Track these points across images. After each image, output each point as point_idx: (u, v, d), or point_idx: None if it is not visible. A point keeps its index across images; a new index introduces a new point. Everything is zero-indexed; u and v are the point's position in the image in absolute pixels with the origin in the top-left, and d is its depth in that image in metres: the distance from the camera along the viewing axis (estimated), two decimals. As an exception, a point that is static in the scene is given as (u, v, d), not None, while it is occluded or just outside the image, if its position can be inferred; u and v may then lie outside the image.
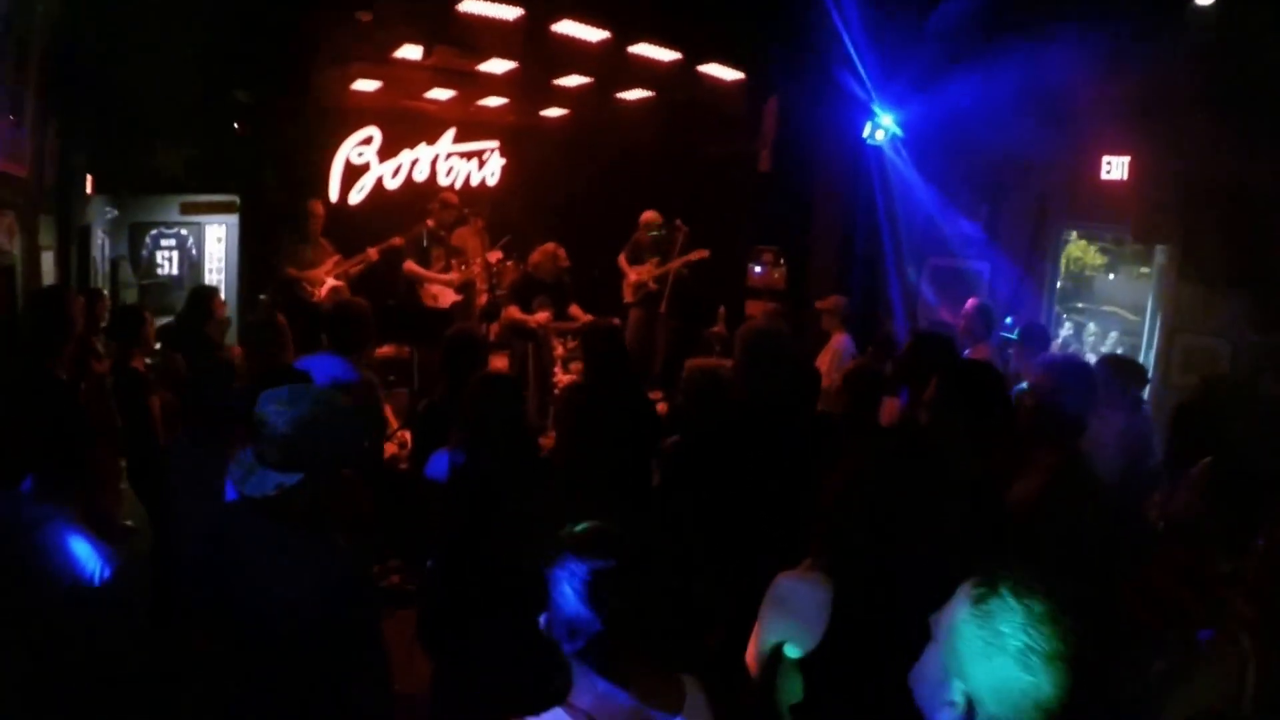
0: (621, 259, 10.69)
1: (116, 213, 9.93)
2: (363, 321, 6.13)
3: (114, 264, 9.95)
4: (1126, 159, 8.45)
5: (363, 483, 4.20)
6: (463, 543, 4.19)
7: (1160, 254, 8.56)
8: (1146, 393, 6.70)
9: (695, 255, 10.28)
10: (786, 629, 2.98)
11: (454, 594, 4.20)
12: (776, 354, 4.77)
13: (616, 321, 9.70)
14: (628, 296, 10.65)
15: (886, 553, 2.83)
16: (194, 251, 10.29)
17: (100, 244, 9.72)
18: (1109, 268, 9.18)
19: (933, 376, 4.17)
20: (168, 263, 10.19)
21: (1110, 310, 9.07)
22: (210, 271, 10.33)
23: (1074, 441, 4.17)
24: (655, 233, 10.41)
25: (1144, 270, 8.80)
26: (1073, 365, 4.50)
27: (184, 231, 10.24)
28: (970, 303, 7.76)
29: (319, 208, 9.67)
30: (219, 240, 10.36)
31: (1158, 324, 8.50)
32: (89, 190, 9.32)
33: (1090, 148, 8.59)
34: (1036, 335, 7.57)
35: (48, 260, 8.39)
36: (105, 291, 9.26)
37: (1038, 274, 9.40)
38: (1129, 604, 3.34)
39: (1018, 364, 7.42)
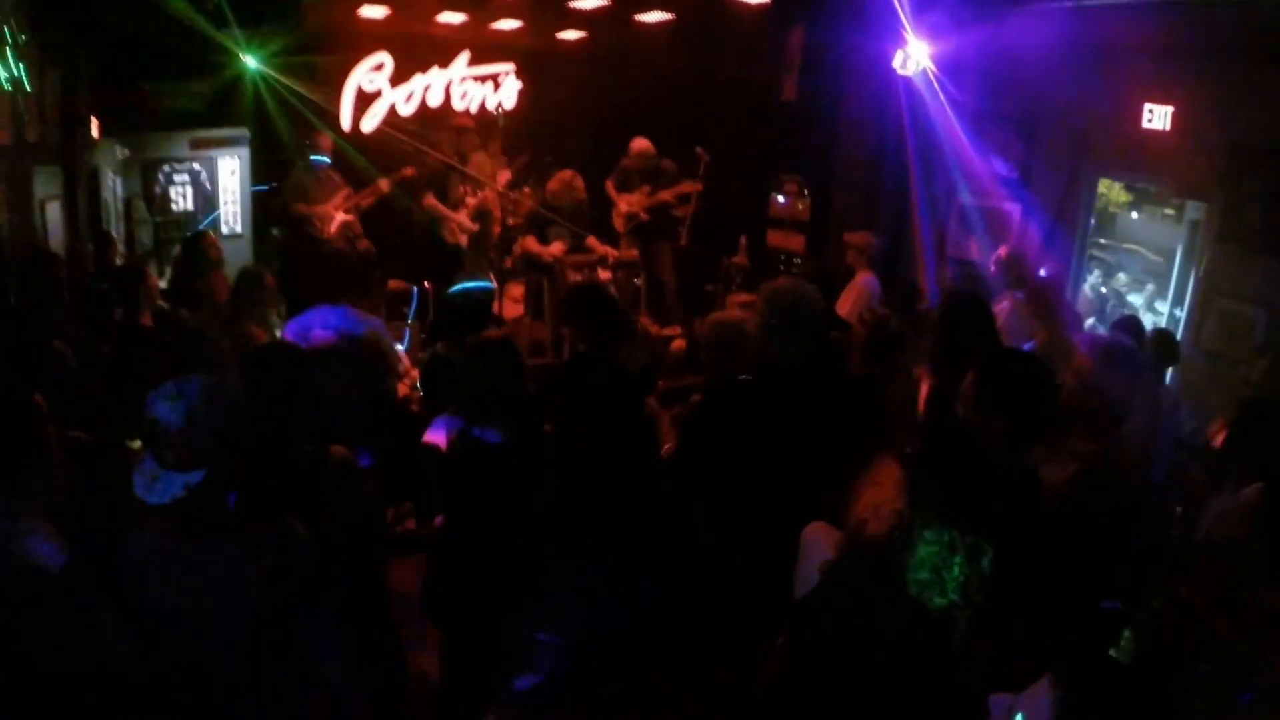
0: (609, 186, 10.38)
1: (128, 152, 9.79)
2: (361, 268, 6.08)
3: (128, 203, 9.89)
4: (1170, 109, 8.04)
5: (358, 462, 4.16)
6: (462, 519, 4.15)
7: (1197, 210, 8.22)
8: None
9: (686, 188, 10.01)
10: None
11: (454, 567, 4.19)
12: (807, 318, 4.56)
13: (619, 256, 9.74)
14: (617, 225, 10.37)
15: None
16: (208, 185, 10.16)
17: (111, 185, 9.62)
18: (1133, 205, 8.88)
19: (968, 359, 3.96)
20: (181, 198, 10.10)
21: (1132, 249, 8.82)
22: (225, 204, 10.23)
23: (1113, 431, 4.05)
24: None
25: (1168, 211, 8.53)
26: (1122, 351, 4.29)
27: (196, 166, 10.10)
28: (1002, 250, 7.59)
29: (326, 139, 9.46)
30: (232, 173, 10.24)
31: (1190, 281, 8.23)
32: (95, 134, 9.18)
33: (1132, 94, 8.21)
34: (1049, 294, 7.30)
35: (54, 211, 8.35)
36: (116, 234, 9.27)
37: (1070, 220, 9.11)
38: (1163, 621, 3.32)
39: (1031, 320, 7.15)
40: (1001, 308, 7.19)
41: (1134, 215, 8.79)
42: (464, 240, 9.69)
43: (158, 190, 10.02)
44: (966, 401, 3.70)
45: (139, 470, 2.91)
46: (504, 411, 4.07)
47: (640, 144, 10.14)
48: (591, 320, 5.78)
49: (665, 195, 10.09)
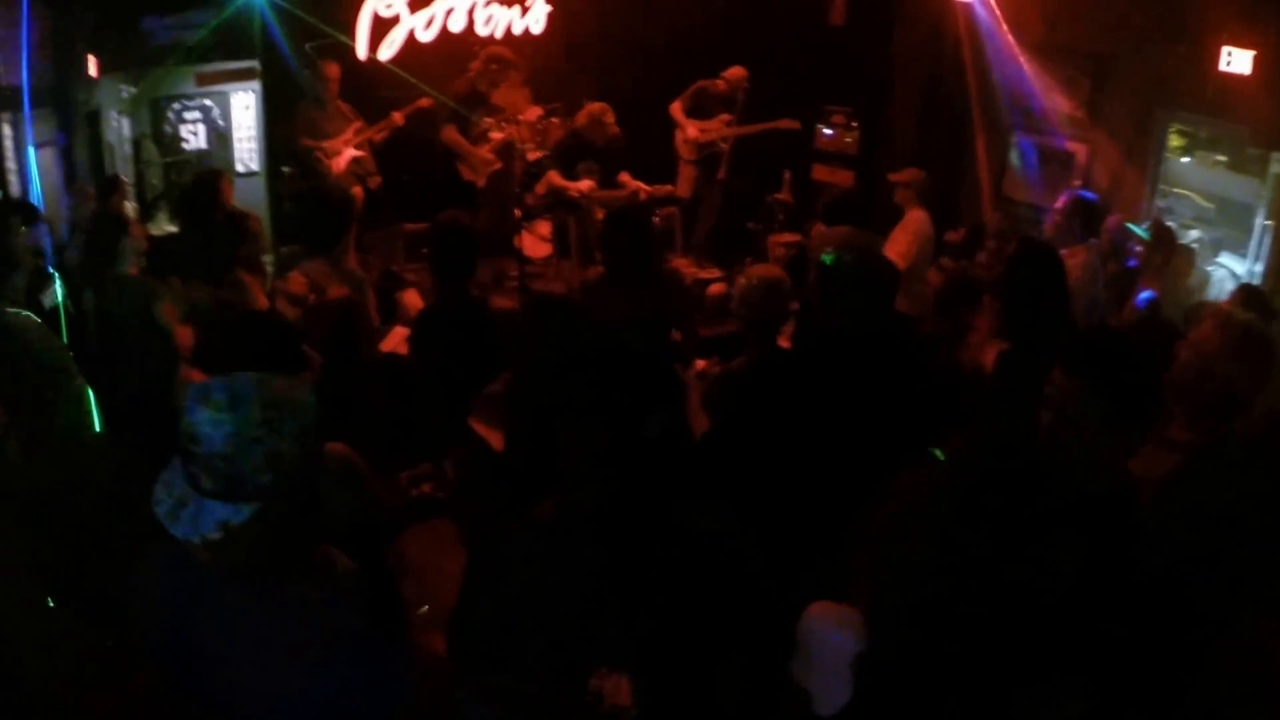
0: (676, 108, 9.83)
1: (134, 90, 9.40)
2: (334, 213, 5.74)
3: (136, 144, 9.53)
4: (1251, 53, 7.57)
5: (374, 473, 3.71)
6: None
7: (1277, 162, 7.80)
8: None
9: (784, 124, 9.58)
10: (804, 679, 2.59)
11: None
12: (872, 282, 4.04)
13: (651, 192, 9.33)
14: (686, 153, 9.90)
15: (946, 613, 2.30)
16: (220, 122, 9.79)
17: (116, 126, 9.28)
18: (1184, 150, 8.63)
19: (1043, 323, 3.72)
20: (193, 136, 9.71)
21: (1181, 193, 8.56)
22: (239, 141, 9.85)
23: (1226, 424, 3.48)
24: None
25: (1219, 158, 8.26)
26: (1257, 336, 3.61)
27: (208, 102, 9.70)
28: (1066, 196, 7.09)
29: (334, 69, 9.00)
30: (247, 108, 9.82)
31: (1269, 237, 7.84)
32: (93, 72, 8.82)
33: (1210, 33, 7.76)
34: (1169, 239, 7.01)
35: (45, 157, 8.09)
36: (125, 176, 8.98)
37: (1139, 164, 8.69)
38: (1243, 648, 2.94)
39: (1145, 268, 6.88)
40: (1075, 262, 6.69)
41: (1210, 164, 8.42)
42: (482, 179, 9.33)
43: (167, 129, 9.64)
44: (1057, 405, 3.07)
45: (163, 481, 2.23)
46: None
47: (738, 71, 9.67)
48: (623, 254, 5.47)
49: (753, 129, 9.63)
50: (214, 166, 8.72)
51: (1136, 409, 3.02)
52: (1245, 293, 6.52)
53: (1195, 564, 3.09)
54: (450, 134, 9.00)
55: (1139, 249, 7.23)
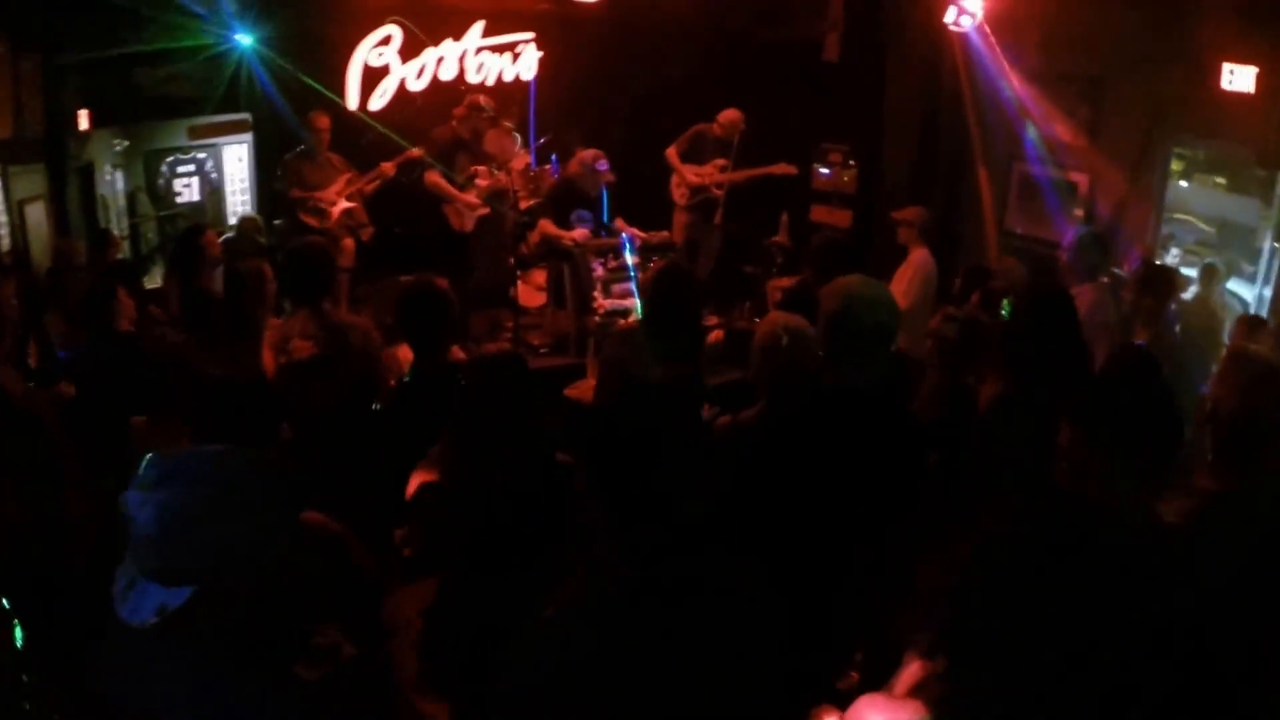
0: (671, 153, 9.57)
1: (127, 143, 9.35)
2: (317, 266, 5.39)
3: (130, 197, 9.47)
4: (1253, 69, 7.30)
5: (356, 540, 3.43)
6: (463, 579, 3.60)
7: None
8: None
9: (781, 169, 9.32)
10: None
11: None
12: (878, 332, 3.73)
13: (646, 239, 9.06)
14: (681, 199, 9.65)
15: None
16: (214, 175, 9.71)
17: (110, 179, 9.21)
18: (1185, 174, 8.36)
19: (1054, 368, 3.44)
20: (187, 190, 9.65)
21: (1181, 218, 8.26)
22: (233, 194, 9.79)
23: (1246, 470, 3.21)
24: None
25: (1219, 180, 8.01)
26: (1272, 370, 3.36)
27: (201, 155, 9.64)
28: (1076, 232, 6.69)
29: (323, 120, 8.82)
30: (240, 160, 9.79)
31: (1275, 261, 7.54)
32: (86, 125, 8.76)
33: (1210, 51, 7.47)
34: (1160, 280, 6.44)
35: (36, 212, 7.99)
36: (118, 232, 8.89)
37: (1143, 192, 8.40)
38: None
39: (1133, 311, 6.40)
40: (1084, 300, 6.32)
41: (1212, 186, 8.15)
42: (470, 224, 9.10)
43: (161, 183, 9.58)
44: (1072, 456, 2.98)
45: (124, 561, 2.12)
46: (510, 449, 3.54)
47: (733, 114, 9.37)
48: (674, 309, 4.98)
49: (749, 174, 9.35)
50: (202, 221, 8.65)
51: (1148, 454, 2.86)
52: (1250, 324, 6.16)
53: (1217, 614, 2.83)
54: (433, 178, 8.81)
55: (1125, 294, 6.77)
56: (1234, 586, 2.83)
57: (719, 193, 9.45)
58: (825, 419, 3.70)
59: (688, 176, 9.52)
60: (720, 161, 9.41)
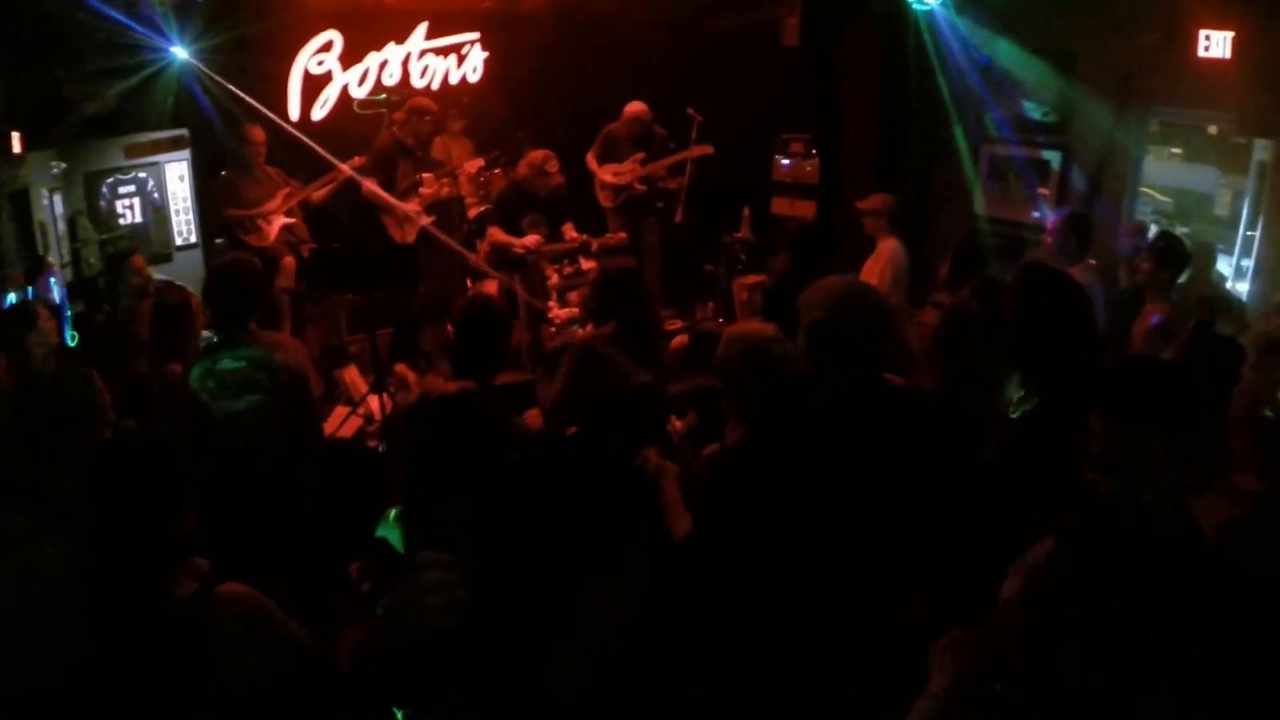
0: (590, 158, 9.08)
1: (64, 165, 8.79)
2: (242, 285, 5.00)
3: (71, 221, 8.90)
4: (1229, 34, 6.88)
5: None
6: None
7: (1262, 150, 7.07)
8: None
9: (696, 152, 8.74)
10: None
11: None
12: (868, 334, 3.35)
13: (602, 243, 8.51)
14: (606, 201, 9.09)
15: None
16: (156, 196, 9.14)
17: (48, 204, 8.65)
18: (1188, 145, 7.83)
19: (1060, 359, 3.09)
20: (130, 211, 9.05)
21: (1189, 194, 7.75)
22: (176, 213, 9.20)
23: None
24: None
25: (1175, 150, 7.71)
26: None
27: (142, 175, 9.06)
28: (1059, 214, 6.34)
29: (258, 133, 8.30)
30: (181, 178, 9.17)
31: (1259, 230, 7.10)
32: (18, 148, 8.21)
33: (1183, 17, 7.09)
34: (1178, 251, 5.90)
35: None
36: (55, 259, 8.34)
37: (1118, 165, 7.89)
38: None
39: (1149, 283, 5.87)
40: None
41: (1190, 156, 7.70)
42: (412, 235, 8.53)
43: (102, 205, 9.01)
44: (1103, 442, 2.50)
45: None
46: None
47: (635, 107, 8.90)
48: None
49: (665, 163, 8.85)
50: (137, 245, 8.11)
51: (1196, 446, 2.49)
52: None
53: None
54: (369, 187, 8.23)
55: (1144, 265, 6.18)
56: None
57: (642, 188, 8.90)
58: (819, 442, 3.27)
59: (606, 178, 8.98)
60: (639, 156, 8.87)
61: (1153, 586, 2.25)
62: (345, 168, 8.25)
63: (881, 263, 7.13)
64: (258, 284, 5.26)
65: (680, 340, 7.73)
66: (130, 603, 2.73)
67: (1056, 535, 2.44)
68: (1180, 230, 7.28)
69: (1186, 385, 2.50)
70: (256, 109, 8.29)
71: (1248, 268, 7.14)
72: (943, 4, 8.41)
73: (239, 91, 8.20)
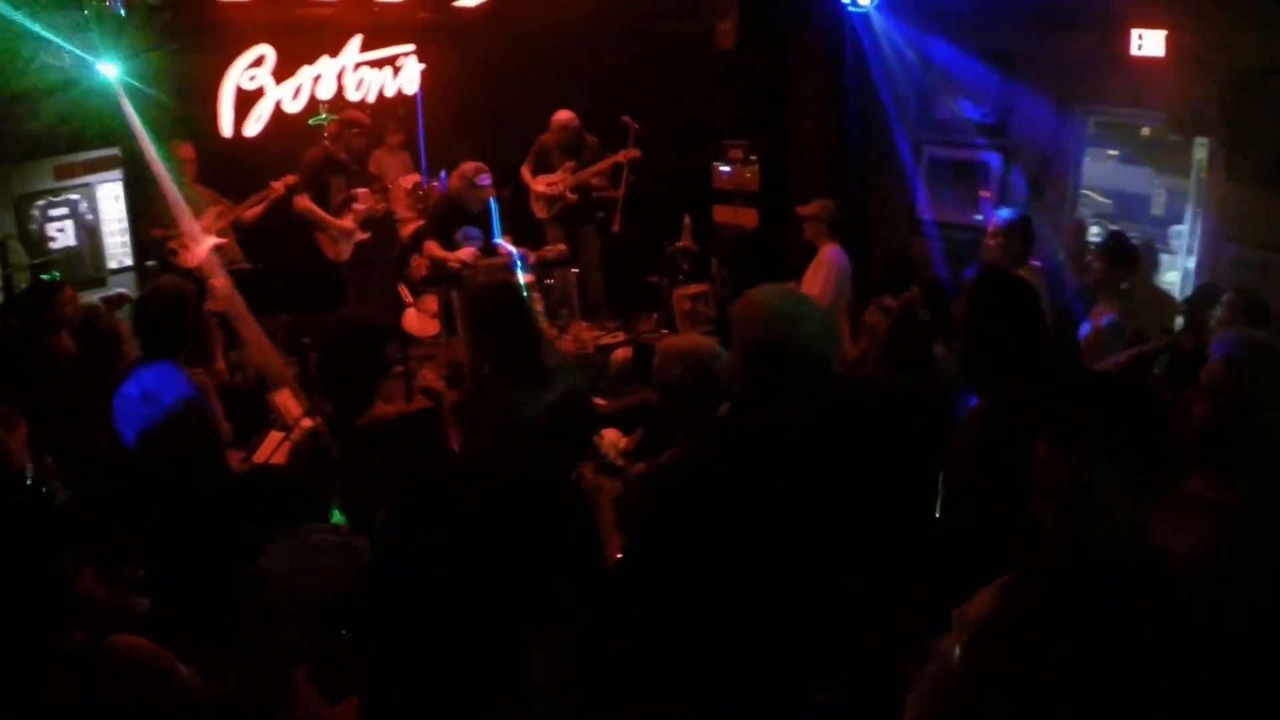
0: (524, 171, 8.90)
1: (-9, 189, 8.51)
2: (170, 315, 4.77)
3: (2, 246, 8.62)
4: (1163, 32, 6.83)
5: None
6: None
7: (1200, 148, 7.02)
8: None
9: (623, 156, 8.52)
10: None
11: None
12: (804, 349, 3.11)
13: (540, 255, 8.29)
14: (541, 213, 8.89)
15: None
16: (89, 217, 8.85)
17: (-23, 229, 8.39)
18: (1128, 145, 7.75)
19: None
20: (62, 234, 8.76)
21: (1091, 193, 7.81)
22: (110, 235, 8.91)
23: (1260, 471, 2.69)
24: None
25: (1112, 153, 7.66)
26: (1276, 361, 2.75)
27: (74, 196, 8.77)
28: (1002, 216, 6.16)
29: (187, 150, 8.04)
30: (116, 199, 8.89)
31: (1196, 229, 7.08)
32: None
33: (1118, 17, 7.03)
34: (1129, 251, 5.81)
35: None
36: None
37: (1058, 166, 7.80)
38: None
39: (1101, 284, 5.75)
40: None
41: (1131, 156, 7.60)
42: (346, 252, 8.29)
43: (34, 228, 8.71)
44: (1048, 468, 2.25)
45: None
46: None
47: (562, 116, 8.68)
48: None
49: (595, 169, 8.63)
50: (68, 270, 7.90)
51: (1156, 474, 2.21)
52: (1241, 301, 5.33)
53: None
54: (303, 204, 7.97)
55: (1095, 264, 6.03)
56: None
57: (573, 197, 8.69)
58: (755, 464, 3.05)
59: (539, 188, 8.77)
60: (570, 165, 8.67)
61: (1114, 646, 2.03)
62: (277, 184, 8.02)
63: (824, 269, 6.97)
64: (186, 311, 5.02)
65: (624, 353, 7.51)
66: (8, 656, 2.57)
67: (998, 589, 2.19)
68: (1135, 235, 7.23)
69: (1141, 404, 2.23)
70: (196, 125, 8.09)
71: (1189, 267, 7.07)
72: (879, 7, 8.25)
73: (170, 107, 7.99)
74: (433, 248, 7.78)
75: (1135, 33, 6.90)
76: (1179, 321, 5.90)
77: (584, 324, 8.27)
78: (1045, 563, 2.19)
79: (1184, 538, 2.49)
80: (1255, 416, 2.63)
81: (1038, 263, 6.04)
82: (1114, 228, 6.99)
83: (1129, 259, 5.59)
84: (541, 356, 4.52)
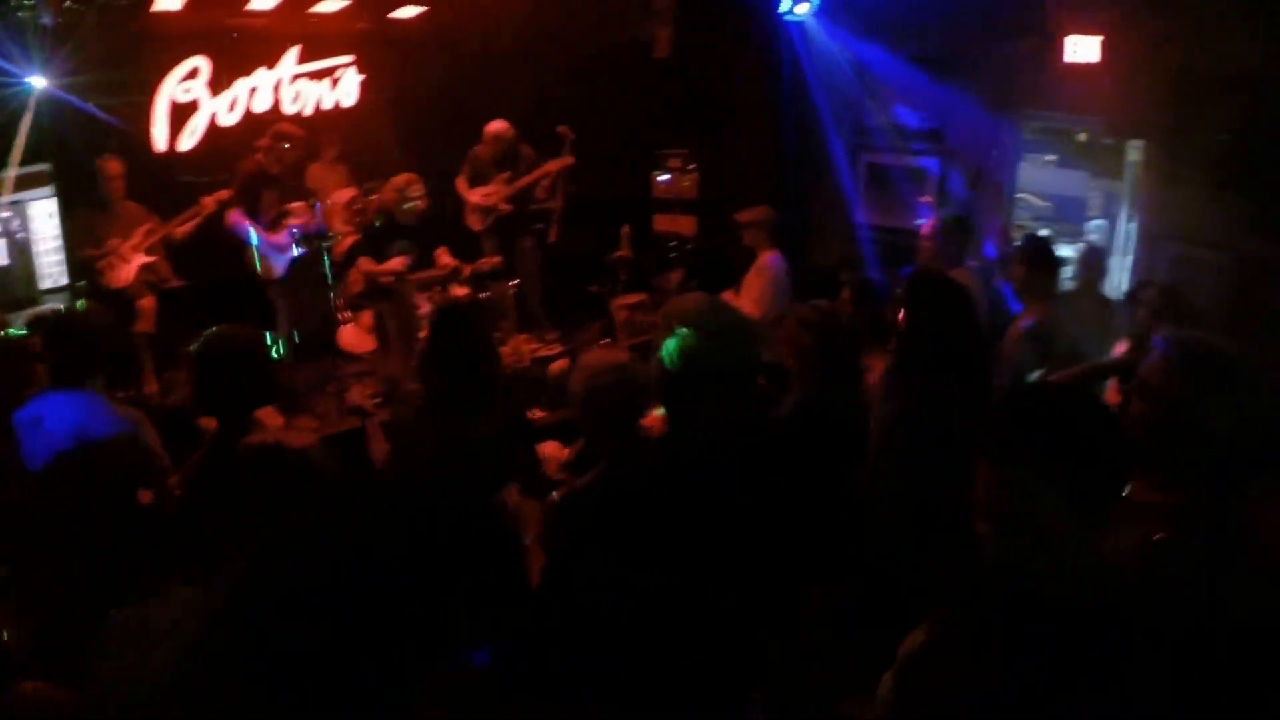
0: (460, 183, 8.69)
1: (-86, 209, 8.24)
2: (82, 340, 4.50)
3: (-72, 269, 8.36)
4: (1098, 38, 6.84)
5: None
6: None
7: (1135, 150, 7.09)
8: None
9: (556, 165, 8.35)
10: None
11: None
12: (729, 360, 3.05)
13: (475, 268, 8.12)
14: (476, 225, 8.67)
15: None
16: (21, 235, 8.58)
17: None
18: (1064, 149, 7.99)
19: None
20: (-8, 254, 8.53)
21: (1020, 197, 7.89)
22: (43, 254, 8.63)
23: (1204, 475, 2.52)
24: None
25: (1049, 159, 7.83)
26: (1216, 359, 2.58)
27: (6, 214, 8.49)
28: (935, 217, 6.08)
29: (115, 166, 7.72)
30: (50, 216, 8.59)
31: (1133, 229, 7.14)
32: None
33: (1054, 24, 7.04)
34: (1047, 252, 5.63)
35: None
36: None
37: (995, 170, 7.75)
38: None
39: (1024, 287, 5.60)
40: None
41: (1066, 160, 7.82)
42: (279, 268, 7.99)
43: (-38, 249, 8.48)
44: (988, 488, 2.04)
45: None
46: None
47: (495, 127, 8.48)
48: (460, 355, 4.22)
49: (528, 179, 8.44)
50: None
51: (1104, 493, 2.03)
52: (1161, 297, 5.25)
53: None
54: (236, 218, 7.76)
55: (1015, 268, 5.94)
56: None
57: (507, 208, 8.49)
58: (673, 484, 2.95)
59: (473, 200, 8.58)
60: (504, 176, 8.49)
61: (1059, 682, 1.88)
62: (209, 201, 7.79)
63: (764, 276, 6.91)
64: (99, 337, 4.80)
65: (561, 364, 7.35)
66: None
67: (929, 620, 2.08)
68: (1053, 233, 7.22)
69: (1089, 420, 2.04)
70: (122, 139, 7.86)
71: (1125, 266, 7.11)
72: (816, 15, 8.15)
73: (106, 119, 7.78)
74: (366, 262, 7.60)
75: (1070, 39, 6.88)
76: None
77: (523, 336, 8.13)
78: (984, 589, 2.05)
79: (1122, 540, 2.35)
80: (1195, 416, 2.49)
81: (974, 263, 5.99)
82: (1042, 232, 6.95)
83: (1049, 262, 5.41)
84: (492, 377, 4.41)
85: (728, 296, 6.62)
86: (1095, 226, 7.20)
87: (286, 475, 2.79)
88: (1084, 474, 1.97)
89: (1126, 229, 7.18)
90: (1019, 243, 6.14)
